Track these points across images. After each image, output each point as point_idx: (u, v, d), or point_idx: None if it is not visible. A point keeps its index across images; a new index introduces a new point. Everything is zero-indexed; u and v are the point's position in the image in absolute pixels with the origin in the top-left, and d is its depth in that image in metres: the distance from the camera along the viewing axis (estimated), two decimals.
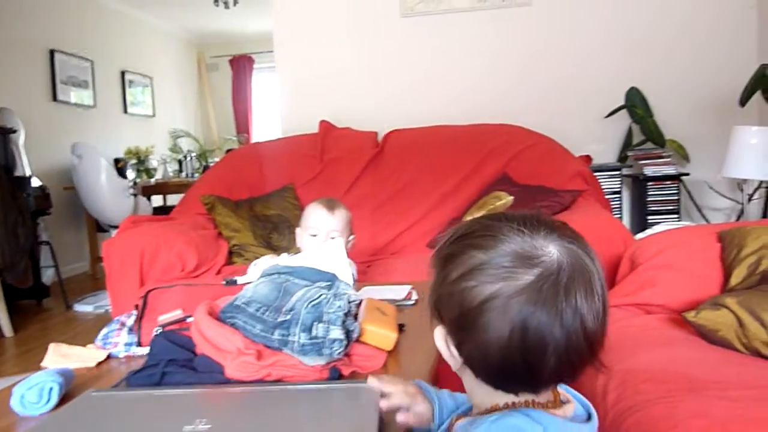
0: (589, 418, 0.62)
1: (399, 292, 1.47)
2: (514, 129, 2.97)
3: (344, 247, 1.71)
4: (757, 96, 2.80)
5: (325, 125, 3.08)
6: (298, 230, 1.76)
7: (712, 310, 1.24)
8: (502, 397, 0.60)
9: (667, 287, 1.51)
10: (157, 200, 5.52)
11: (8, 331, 3.37)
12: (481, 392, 0.61)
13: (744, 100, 2.79)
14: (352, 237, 1.77)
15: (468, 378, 0.62)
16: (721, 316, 1.22)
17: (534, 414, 0.57)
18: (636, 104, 3.33)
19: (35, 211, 3.98)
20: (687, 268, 1.52)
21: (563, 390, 0.63)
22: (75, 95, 5.34)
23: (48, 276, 4.32)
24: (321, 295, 0.94)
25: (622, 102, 3.35)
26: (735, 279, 1.44)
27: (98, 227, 4.86)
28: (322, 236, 1.67)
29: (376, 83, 3.53)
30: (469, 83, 3.48)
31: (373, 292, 1.47)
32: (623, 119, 3.39)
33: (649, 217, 3.20)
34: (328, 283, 1.00)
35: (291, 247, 2.58)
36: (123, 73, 6.18)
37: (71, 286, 4.43)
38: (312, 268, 1.05)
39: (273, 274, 1.04)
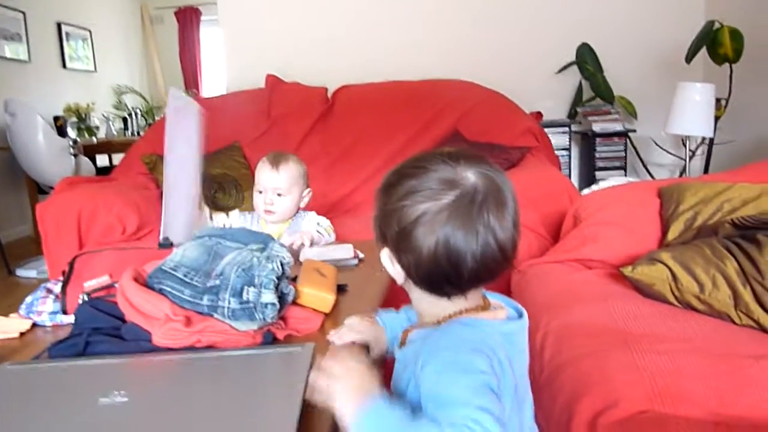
0: (520, 316, 0.76)
1: (343, 251, 1.44)
2: (466, 85, 2.94)
3: (299, 202, 1.70)
4: (703, 53, 2.84)
5: (272, 80, 2.98)
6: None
7: (648, 265, 1.26)
8: (440, 305, 0.73)
9: (608, 243, 1.53)
10: (102, 160, 5.30)
11: None
12: (423, 302, 0.75)
13: (690, 57, 2.82)
14: (307, 190, 1.74)
15: (412, 290, 0.75)
16: (656, 271, 1.24)
17: (465, 320, 0.71)
18: (587, 60, 3.33)
19: None
20: (627, 224, 1.55)
21: (496, 299, 0.77)
22: (7, 49, 5.01)
23: None
24: (252, 258, 0.91)
25: (572, 58, 3.35)
26: (672, 234, 1.47)
27: (39, 189, 4.65)
28: (269, 193, 1.65)
29: (325, 37, 3.43)
30: (420, 39, 3.42)
31: (315, 253, 1.45)
32: (574, 75, 3.40)
33: (597, 173, 3.26)
34: (261, 246, 0.97)
35: (238, 206, 2.52)
36: (59, 26, 5.83)
37: (13, 251, 4.25)
38: (245, 229, 1.02)
39: (203, 236, 1.00)
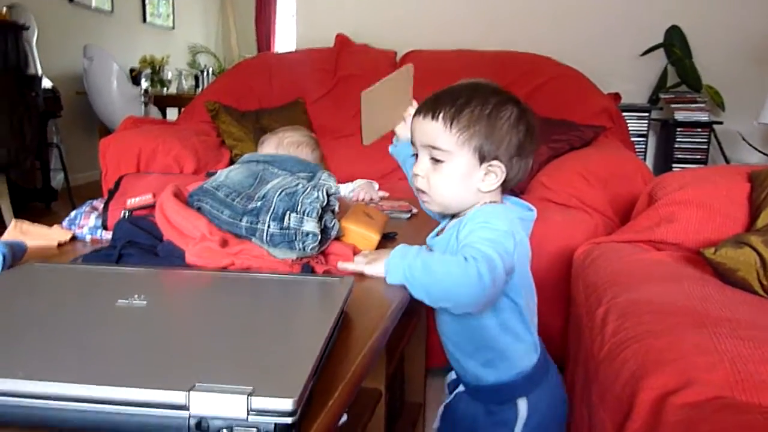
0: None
1: (397, 205, 1.38)
2: (541, 59, 2.78)
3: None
4: None
5: (341, 39, 2.92)
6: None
7: (733, 248, 1.13)
8: (484, 199, 0.89)
9: (686, 224, 1.39)
10: (172, 114, 5.41)
11: None
12: (474, 197, 0.89)
13: None
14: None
15: (473, 191, 0.89)
16: (743, 255, 1.11)
17: (493, 204, 0.90)
18: (675, 44, 3.10)
19: (45, 112, 3.91)
20: (710, 205, 1.40)
21: (509, 199, 0.95)
22: None
23: (58, 181, 4.30)
24: (298, 184, 0.85)
25: (660, 40, 3.13)
26: (762, 221, 1.31)
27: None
28: None
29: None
30: (498, 7, 3.27)
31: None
32: (659, 59, 3.18)
33: (674, 165, 3.05)
34: (309, 174, 0.90)
35: None
36: None
37: (82, 193, 4.40)
38: (295, 157, 0.96)
39: (251, 161, 0.95)
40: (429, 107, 0.89)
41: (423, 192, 0.91)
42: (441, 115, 0.86)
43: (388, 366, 1.16)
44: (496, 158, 0.86)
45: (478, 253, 0.77)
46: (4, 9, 3.75)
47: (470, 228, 0.83)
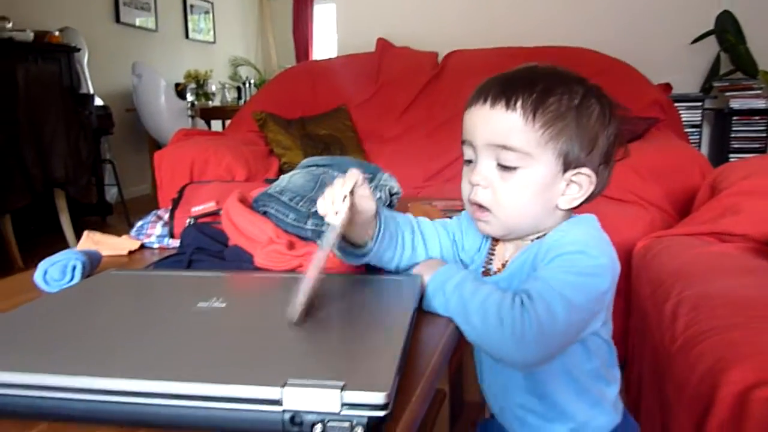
0: None
1: (452, 204, 1.38)
2: (587, 52, 2.73)
3: None
4: None
5: (382, 43, 2.93)
6: None
7: None
8: (558, 219, 0.72)
9: (753, 215, 1.34)
10: (216, 126, 5.54)
11: (72, 242, 3.51)
12: (550, 220, 0.71)
13: None
14: None
15: (553, 210, 0.71)
16: None
17: (582, 217, 0.72)
18: (727, 30, 3.00)
19: (98, 129, 4.06)
20: None
21: None
22: (138, 19, 5.34)
23: (111, 195, 4.46)
24: None
25: (711, 27, 3.04)
26: None
27: (159, 149, 4.93)
28: None
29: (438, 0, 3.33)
30: (540, 1, 3.23)
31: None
32: (710, 47, 3.08)
33: (731, 155, 2.95)
34: (369, 176, 0.91)
35: None
36: None
37: (133, 206, 4.55)
38: (354, 159, 0.97)
39: (311, 165, 0.96)
40: (498, 92, 0.67)
41: (483, 209, 0.70)
42: (519, 103, 0.65)
43: (450, 365, 1.16)
44: (584, 165, 0.68)
45: (537, 298, 0.60)
46: (57, 32, 3.91)
47: (556, 253, 0.65)
